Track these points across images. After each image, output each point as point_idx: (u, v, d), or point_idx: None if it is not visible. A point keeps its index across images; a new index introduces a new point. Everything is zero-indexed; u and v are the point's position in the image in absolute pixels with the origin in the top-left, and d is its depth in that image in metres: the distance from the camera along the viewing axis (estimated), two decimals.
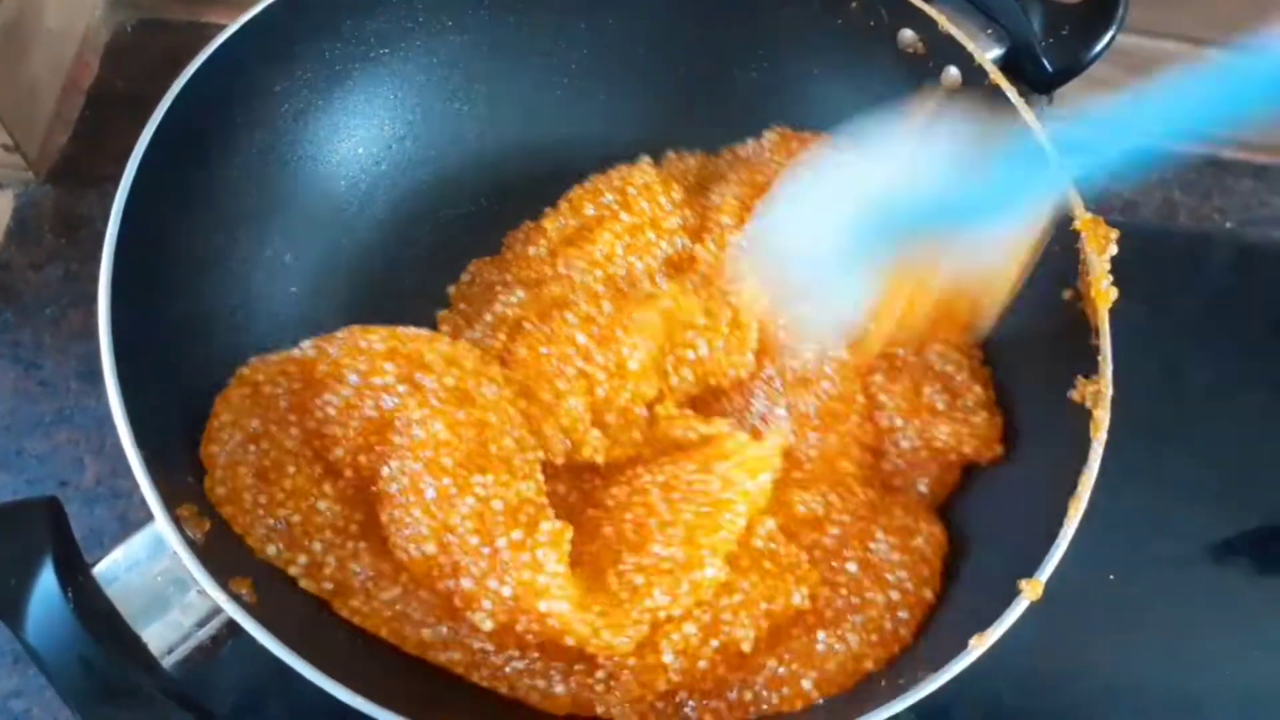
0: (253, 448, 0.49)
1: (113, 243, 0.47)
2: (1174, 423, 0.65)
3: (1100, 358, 0.51)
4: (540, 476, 0.51)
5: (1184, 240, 0.79)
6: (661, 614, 0.48)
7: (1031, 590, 0.46)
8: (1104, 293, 0.52)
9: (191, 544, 0.42)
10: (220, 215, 0.56)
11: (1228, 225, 0.82)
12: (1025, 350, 0.57)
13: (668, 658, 0.48)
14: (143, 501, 0.57)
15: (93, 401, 0.62)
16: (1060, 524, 0.47)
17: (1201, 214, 0.82)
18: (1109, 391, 0.50)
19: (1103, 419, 0.49)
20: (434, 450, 0.48)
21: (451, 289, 0.62)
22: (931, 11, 0.59)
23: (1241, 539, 0.66)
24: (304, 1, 0.56)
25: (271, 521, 0.48)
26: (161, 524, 0.41)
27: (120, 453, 0.58)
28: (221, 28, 0.77)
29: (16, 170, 0.69)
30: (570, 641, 0.47)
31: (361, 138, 0.63)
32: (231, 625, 0.42)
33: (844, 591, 0.51)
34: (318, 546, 0.48)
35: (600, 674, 0.48)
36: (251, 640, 0.41)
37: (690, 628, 0.49)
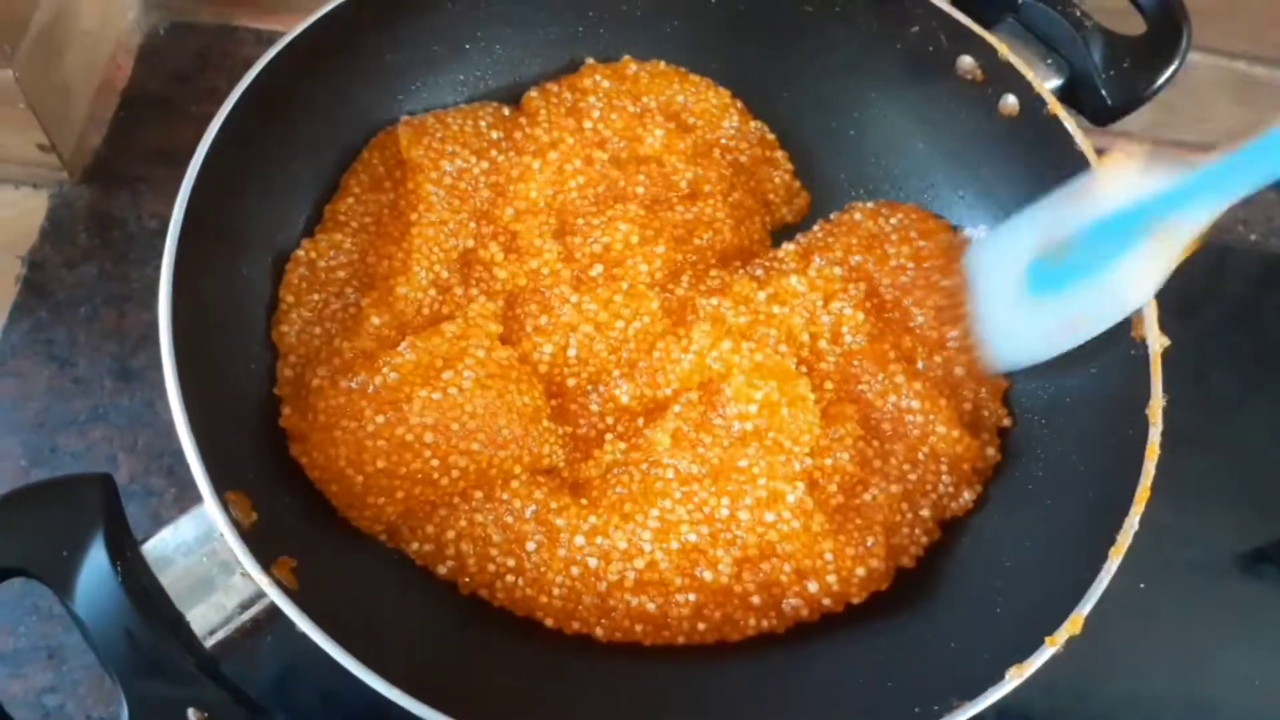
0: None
1: (175, 240, 0.53)
2: (1202, 431, 0.70)
3: (1149, 410, 0.56)
4: None
5: (1208, 251, 0.86)
6: None
7: (1071, 626, 0.51)
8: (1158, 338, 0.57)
9: (238, 527, 0.47)
10: (277, 206, 0.63)
11: (1251, 237, 0.90)
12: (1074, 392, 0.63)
13: None
14: (175, 499, 0.65)
15: (126, 400, 0.68)
16: (1101, 560, 0.52)
17: (1225, 226, 0.89)
18: (1156, 443, 0.55)
19: (1150, 469, 0.54)
20: None
21: None
22: (992, 39, 0.65)
23: (1271, 548, 0.71)
24: (361, 7, 0.62)
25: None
26: (210, 506, 0.47)
27: (153, 451, 0.66)
28: (251, 31, 0.85)
29: (52, 170, 0.76)
30: None
31: None
32: (272, 611, 0.47)
33: None
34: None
35: None
36: (290, 626, 0.46)
37: None
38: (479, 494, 0.59)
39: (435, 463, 0.58)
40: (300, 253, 0.63)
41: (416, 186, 0.65)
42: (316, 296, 0.63)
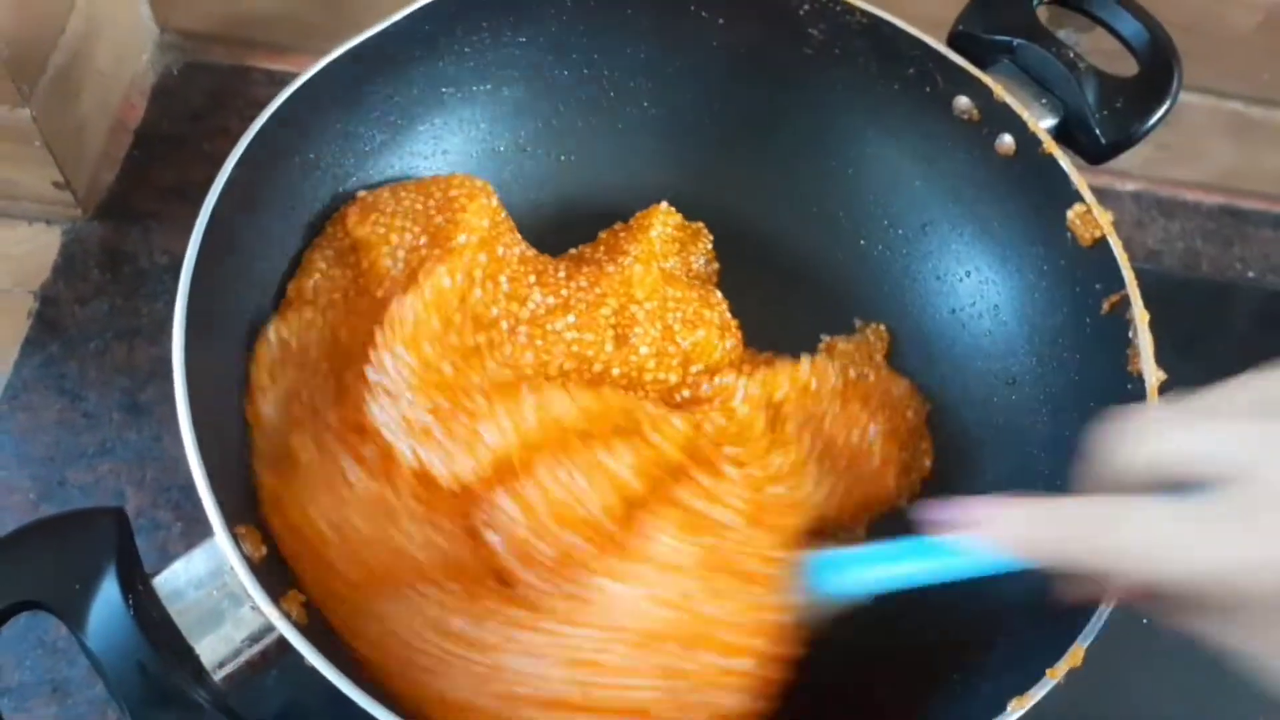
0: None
1: (189, 276, 0.53)
2: None
3: None
4: None
5: (1208, 288, 0.89)
6: None
7: (1071, 659, 0.51)
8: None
9: (248, 560, 0.47)
10: (288, 247, 0.63)
11: (1249, 275, 0.92)
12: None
13: None
14: (182, 533, 0.65)
15: (134, 434, 0.69)
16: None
17: (1224, 263, 0.92)
18: None
19: None
20: None
21: None
22: (987, 79, 0.65)
23: None
24: (373, 50, 0.63)
25: None
26: (220, 539, 0.47)
27: (161, 485, 0.67)
28: (264, 71, 0.86)
29: (65, 207, 0.77)
30: None
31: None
32: (281, 644, 0.47)
33: None
34: None
35: None
36: (299, 660, 0.46)
37: None
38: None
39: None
40: (270, 332, 0.60)
41: (372, 264, 0.64)
42: (293, 374, 0.60)
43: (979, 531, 0.45)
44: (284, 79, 0.61)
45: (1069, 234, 0.62)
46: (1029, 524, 0.44)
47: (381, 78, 0.66)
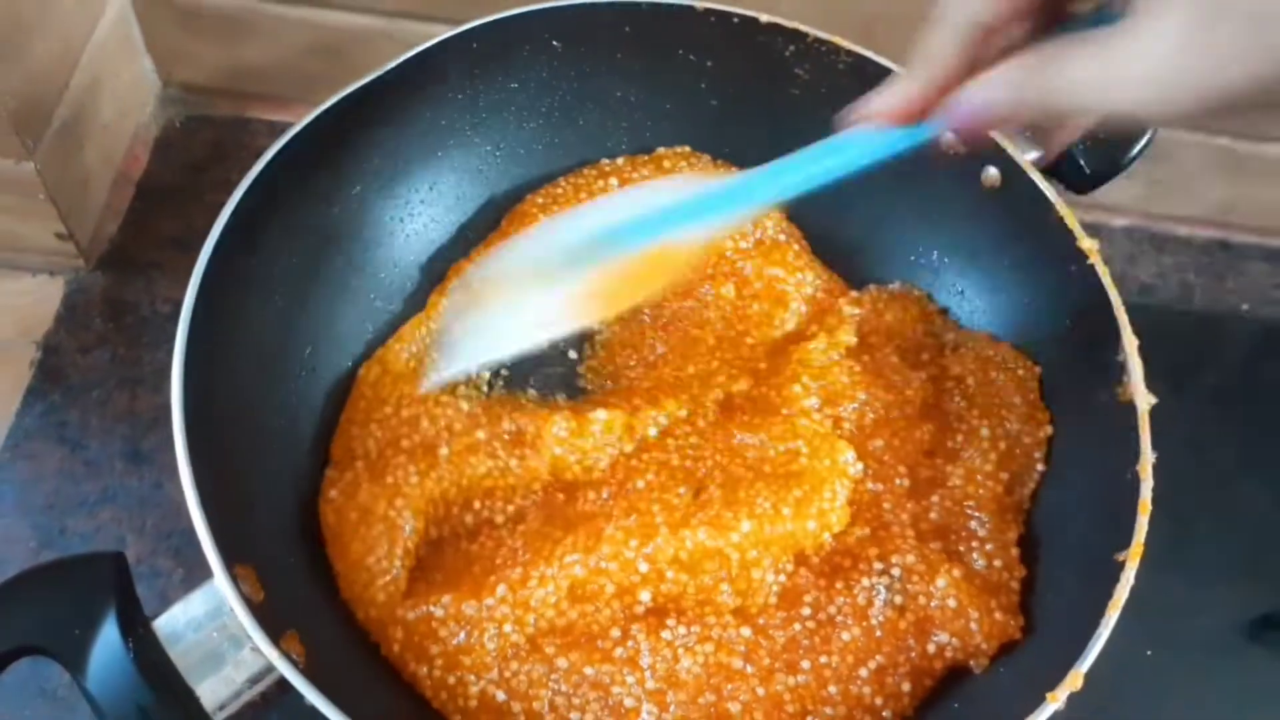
0: None
1: (187, 321, 0.53)
2: (1204, 499, 0.71)
3: (1140, 467, 0.55)
4: None
5: (1201, 322, 0.88)
6: None
7: (1071, 683, 0.50)
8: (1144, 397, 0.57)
9: (247, 601, 0.47)
10: (284, 296, 0.63)
11: (1244, 307, 0.91)
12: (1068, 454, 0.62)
13: None
14: (183, 580, 0.64)
15: (135, 481, 0.69)
16: (1099, 616, 0.51)
17: (1217, 296, 0.91)
18: (1148, 500, 0.54)
19: (1143, 525, 0.54)
20: None
21: None
22: None
23: (1278, 615, 0.70)
24: (368, 98, 0.64)
25: None
26: (220, 581, 0.47)
27: (161, 532, 0.66)
28: (265, 123, 0.87)
29: (68, 258, 0.77)
30: None
31: (422, 224, 0.71)
32: (282, 684, 0.47)
33: None
34: None
35: None
36: (300, 700, 0.46)
37: None
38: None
39: None
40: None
41: None
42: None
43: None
44: (284, 130, 0.61)
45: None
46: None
47: (377, 125, 0.66)
